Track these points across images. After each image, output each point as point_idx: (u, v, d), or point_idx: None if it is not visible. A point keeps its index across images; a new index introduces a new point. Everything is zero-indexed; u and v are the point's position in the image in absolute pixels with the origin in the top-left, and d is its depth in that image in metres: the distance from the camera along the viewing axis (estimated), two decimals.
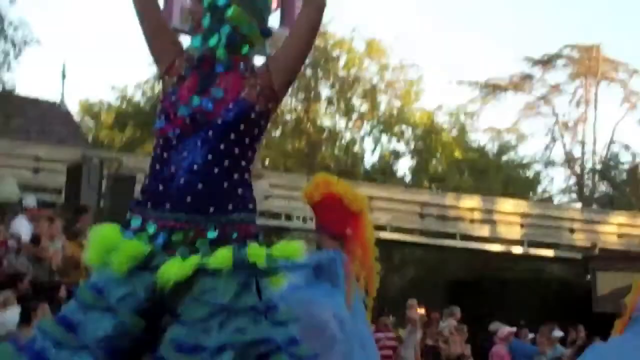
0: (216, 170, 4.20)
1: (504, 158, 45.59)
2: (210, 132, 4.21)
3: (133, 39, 46.39)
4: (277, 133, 42.27)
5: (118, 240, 4.14)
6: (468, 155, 44.55)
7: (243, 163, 4.30)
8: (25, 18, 23.36)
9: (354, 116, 43.89)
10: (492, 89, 41.08)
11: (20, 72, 68.17)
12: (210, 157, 4.20)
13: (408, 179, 44.12)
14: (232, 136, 4.24)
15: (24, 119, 26.20)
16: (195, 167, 4.16)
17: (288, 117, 42.81)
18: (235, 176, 4.24)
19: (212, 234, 4.13)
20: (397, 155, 45.10)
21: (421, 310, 21.77)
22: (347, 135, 44.21)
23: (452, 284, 32.60)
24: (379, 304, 28.86)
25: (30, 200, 17.53)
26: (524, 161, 46.61)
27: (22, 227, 16.51)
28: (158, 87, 39.68)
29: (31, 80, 50.75)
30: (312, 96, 42.88)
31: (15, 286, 14.34)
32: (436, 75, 77.55)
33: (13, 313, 12.55)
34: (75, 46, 71.54)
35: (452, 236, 33.95)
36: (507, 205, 35.03)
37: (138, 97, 44.73)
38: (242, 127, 4.25)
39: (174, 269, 3.99)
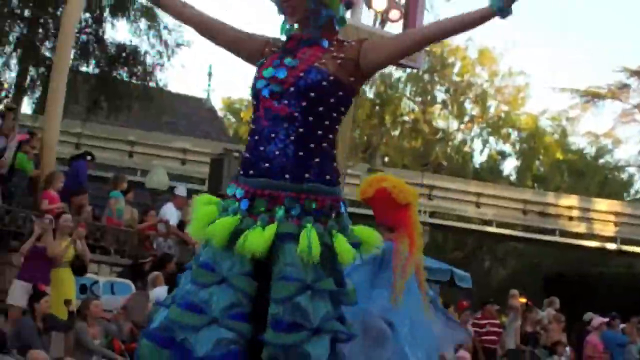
0: (292, 138, 3.92)
1: (601, 161, 44.82)
2: (285, 101, 3.95)
3: None
4: (396, 132, 42.32)
5: (214, 215, 4.00)
6: (568, 157, 44.02)
7: (319, 132, 3.96)
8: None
9: (466, 119, 43.75)
10: (591, 96, 40.26)
11: (172, 71, 69.65)
12: (285, 124, 3.94)
13: (513, 177, 43.82)
14: (305, 104, 3.93)
15: (174, 115, 26.27)
16: (272, 135, 3.94)
17: (406, 118, 42.81)
18: (312, 145, 3.93)
19: (290, 202, 3.89)
20: (503, 155, 44.89)
21: (522, 300, 21.59)
22: (459, 136, 44.17)
23: (551, 276, 32.13)
24: (485, 293, 28.63)
25: (181, 189, 17.56)
26: (619, 164, 45.56)
27: (171, 213, 16.60)
28: None
29: (181, 78, 51.42)
30: (428, 99, 43.07)
31: (164, 267, 14.37)
32: (541, 82, 76.25)
33: (162, 291, 12.51)
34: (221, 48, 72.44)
35: (551, 232, 33.57)
36: (603, 204, 34.48)
37: None
38: (313, 94, 3.92)
39: (254, 240, 3.80)
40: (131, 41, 22.83)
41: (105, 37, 22.19)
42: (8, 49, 21.70)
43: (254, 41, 4.32)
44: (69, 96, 18.91)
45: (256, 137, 3.99)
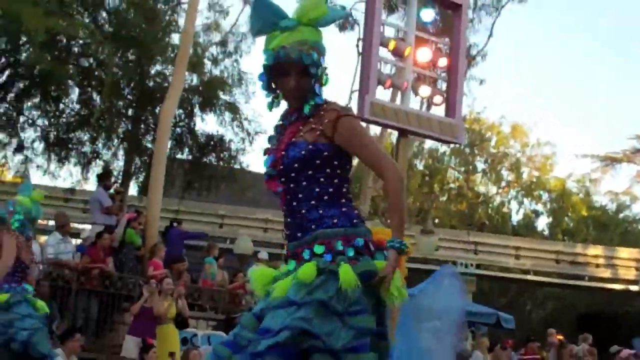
0: (294, 204, 3.76)
1: (621, 215, 44.22)
2: (282, 179, 3.79)
3: None
4: (444, 198, 42.20)
5: (269, 274, 3.86)
6: (592, 213, 43.55)
7: (317, 189, 3.73)
8: (259, 111, 23.54)
9: (503, 184, 43.48)
10: (609, 160, 39.90)
11: (252, 154, 69.76)
12: (288, 197, 3.78)
13: (546, 232, 43.28)
14: (294, 174, 3.75)
15: (256, 191, 26.29)
16: (284, 207, 3.82)
17: (452, 185, 42.73)
18: (313, 202, 3.72)
19: (306, 254, 3.65)
20: (537, 214, 44.50)
21: (559, 337, 21.39)
22: (498, 199, 43.84)
23: (583, 316, 31.63)
24: (526, 332, 28.16)
25: (263, 254, 17.51)
26: (637, 217, 44.97)
27: None
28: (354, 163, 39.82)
29: (260, 160, 51.75)
30: (470, 169, 42.84)
31: None
32: (566, 150, 75.76)
33: None
34: None
35: (581, 278, 33.16)
36: (625, 252, 34.04)
37: None
38: (297, 165, 3.73)
39: (277, 288, 3.61)
40: (218, 131, 22.96)
41: (196, 128, 22.41)
42: (116, 142, 21.97)
43: None
44: (167, 179, 19.13)
45: (283, 213, 3.87)
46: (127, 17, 20.65)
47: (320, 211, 3.71)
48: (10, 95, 20.47)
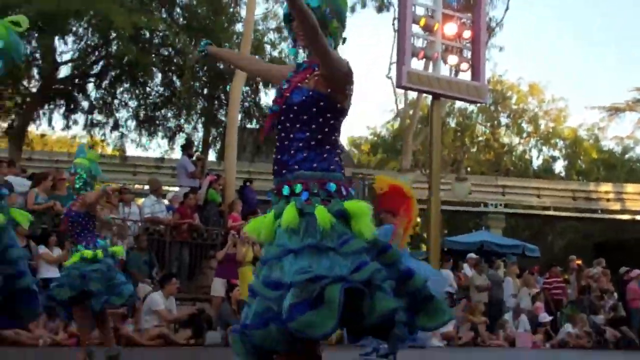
0: (285, 143, 3.50)
1: (627, 156, 43.54)
2: (281, 117, 3.53)
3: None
4: (474, 149, 41.97)
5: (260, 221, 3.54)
6: (602, 156, 42.93)
7: (307, 134, 3.47)
8: None
9: (524, 135, 42.89)
10: (614, 110, 39.29)
11: None
12: (282, 134, 3.51)
13: (563, 174, 42.81)
14: (292, 115, 3.49)
15: None
16: (277, 144, 3.57)
17: (480, 138, 42.45)
18: (300, 144, 3.46)
19: (285, 190, 3.43)
20: (554, 159, 43.99)
21: (577, 262, 21.31)
22: (520, 148, 43.36)
23: (597, 244, 31.28)
24: (549, 260, 27.92)
25: None
26: None
27: None
28: (396, 124, 39.69)
29: None
30: (495, 124, 42.47)
31: None
32: (577, 103, 74.48)
33: None
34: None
35: (595, 211, 33.11)
36: (631, 188, 33.95)
37: (384, 132, 44.61)
38: (296, 108, 3.49)
39: (259, 227, 3.46)
40: None
41: (261, 102, 22.47)
42: (195, 117, 22.12)
43: (282, 69, 3.90)
44: (239, 146, 19.26)
45: (276, 148, 3.62)
46: (197, 10, 20.74)
47: (305, 154, 3.46)
48: (105, 83, 20.70)
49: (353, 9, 25.89)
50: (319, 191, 3.39)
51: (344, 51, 3.66)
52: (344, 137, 50.02)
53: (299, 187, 3.41)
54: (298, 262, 3.19)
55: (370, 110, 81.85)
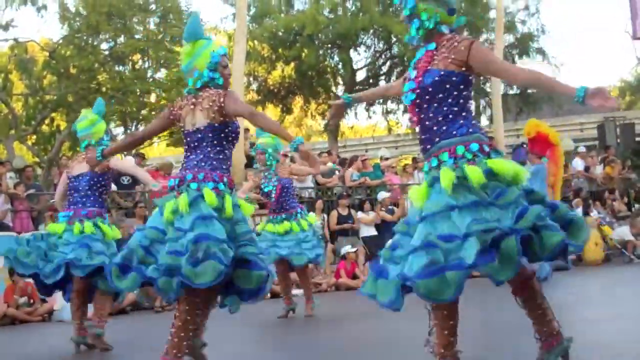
0: (427, 123, 3.52)
1: None
2: (418, 100, 3.54)
3: None
4: None
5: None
6: None
7: (445, 108, 3.46)
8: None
9: None
10: None
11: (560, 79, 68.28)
12: (422, 116, 3.54)
13: None
14: (428, 96, 3.49)
15: (570, 103, 27.05)
16: (419, 125, 3.58)
17: None
18: (440, 118, 3.47)
19: (434, 162, 3.45)
20: None
21: None
22: None
23: None
24: None
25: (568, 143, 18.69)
26: None
27: (576, 162, 17.25)
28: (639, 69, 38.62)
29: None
30: None
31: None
32: None
33: None
34: None
35: None
36: None
37: (630, 78, 42.78)
38: (431, 89, 3.48)
39: (415, 195, 3.48)
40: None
41: None
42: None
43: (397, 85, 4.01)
44: (506, 109, 21.57)
45: (418, 129, 3.62)
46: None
47: (444, 127, 3.47)
48: (392, 78, 24.22)
49: None
50: (464, 153, 3.39)
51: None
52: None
53: (445, 155, 3.43)
54: (465, 216, 3.21)
55: (612, 61, 77.58)
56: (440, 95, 3.48)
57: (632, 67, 42.60)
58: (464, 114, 3.50)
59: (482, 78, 24.11)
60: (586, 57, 70.53)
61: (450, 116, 3.47)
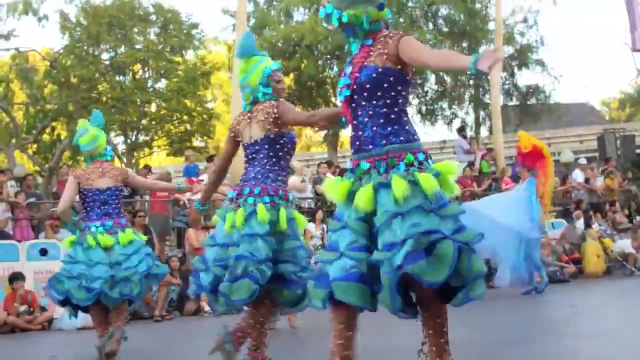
0: (365, 120, 3.42)
1: None
2: (355, 96, 3.45)
3: None
4: None
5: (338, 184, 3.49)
6: None
7: (385, 109, 3.38)
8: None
9: None
10: None
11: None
12: (359, 113, 3.44)
13: None
14: (366, 94, 3.40)
15: (569, 116, 27.02)
16: (354, 122, 3.49)
17: None
18: (381, 120, 3.38)
19: (382, 167, 3.35)
20: None
21: None
22: None
23: None
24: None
25: (567, 155, 18.80)
26: None
27: (576, 174, 17.17)
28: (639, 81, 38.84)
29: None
30: None
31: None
32: None
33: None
34: None
35: None
36: None
37: (630, 90, 43.60)
38: (369, 86, 3.38)
39: (360, 197, 3.33)
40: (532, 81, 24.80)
41: (518, 83, 24.74)
42: (466, 104, 24.85)
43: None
44: (505, 121, 21.41)
45: (351, 127, 3.52)
46: (455, 19, 23.15)
47: (389, 128, 3.37)
48: None
49: None
50: (413, 161, 3.34)
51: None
52: (595, 98, 49.97)
53: (393, 161, 3.35)
54: (407, 221, 3.16)
55: (612, 73, 77.88)
56: (379, 93, 3.40)
57: (631, 78, 42.69)
58: (405, 118, 3.45)
59: (481, 89, 24.34)
60: (586, 69, 70.62)
61: (393, 116, 3.40)
